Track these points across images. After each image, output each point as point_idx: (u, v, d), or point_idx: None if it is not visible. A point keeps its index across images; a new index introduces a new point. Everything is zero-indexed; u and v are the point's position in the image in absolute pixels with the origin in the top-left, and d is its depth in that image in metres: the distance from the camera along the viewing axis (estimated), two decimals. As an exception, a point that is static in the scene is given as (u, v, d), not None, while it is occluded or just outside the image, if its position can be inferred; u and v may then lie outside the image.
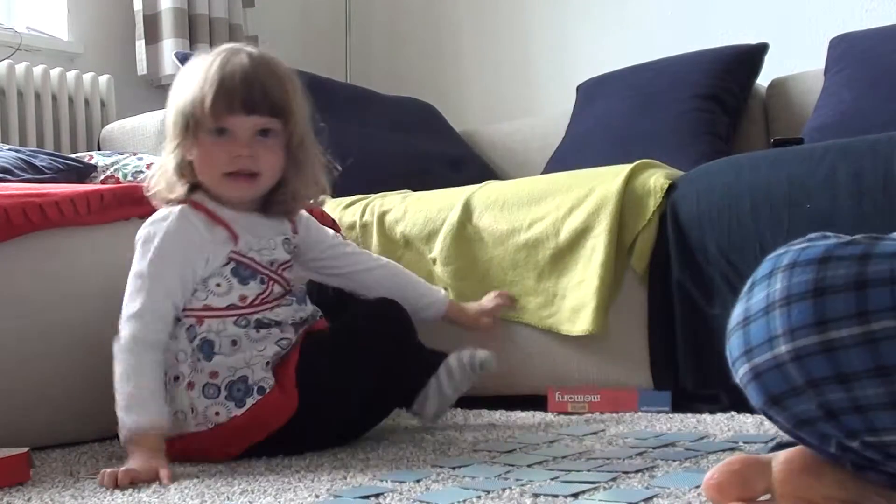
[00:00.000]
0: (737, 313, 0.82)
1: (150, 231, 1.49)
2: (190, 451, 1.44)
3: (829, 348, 0.75)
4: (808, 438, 0.82)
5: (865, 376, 0.74)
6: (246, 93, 1.46)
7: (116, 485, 1.27)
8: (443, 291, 1.81)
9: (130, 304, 1.46)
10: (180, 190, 1.51)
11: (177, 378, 1.46)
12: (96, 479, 1.31)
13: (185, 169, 1.51)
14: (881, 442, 0.77)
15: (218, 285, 1.49)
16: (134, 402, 1.40)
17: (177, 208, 1.49)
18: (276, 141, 1.51)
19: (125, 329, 1.44)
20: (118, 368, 1.43)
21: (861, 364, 0.74)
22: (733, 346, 0.82)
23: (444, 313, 1.76)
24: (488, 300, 1.81)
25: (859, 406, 0.75)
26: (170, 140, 1.51)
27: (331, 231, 1.75)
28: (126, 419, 1.39)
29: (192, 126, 1.47)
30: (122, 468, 1.29)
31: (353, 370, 1.50)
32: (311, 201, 1.63)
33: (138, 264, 1.48)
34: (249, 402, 1.44)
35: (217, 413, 1.44)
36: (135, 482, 1.27)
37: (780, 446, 0.95)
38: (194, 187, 1.53)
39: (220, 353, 1.46)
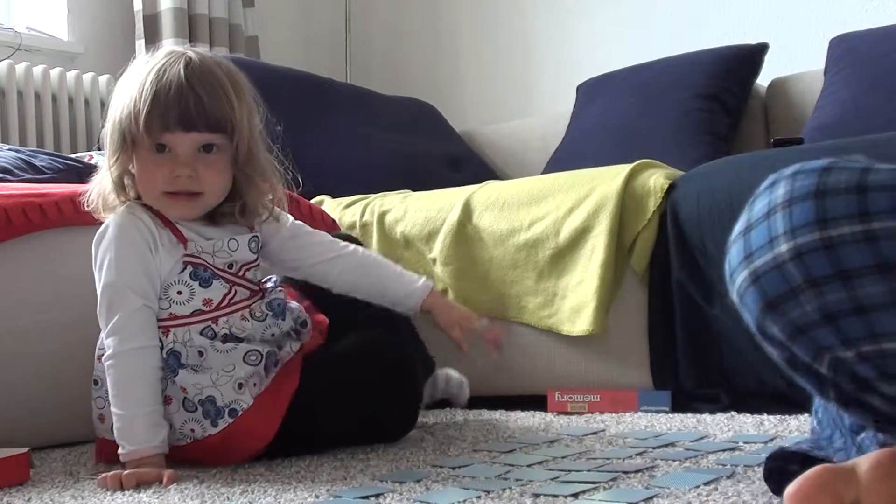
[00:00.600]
0: (738, 226, 0.83)
1: (101, 244, 1.42)
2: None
3: (829, 245, 0.75)
4: (800, 353, 0.80)
5: (866, 273, 0.74)
6: (183, 108, 1.36)
7: (121, 486, 1.26)
8: (422, 280, 1.61)
9: (108, 319, 1.38)
10: (118, 206, 1.43)
11: None
12: (96, 479, 1.31)
13: (126, 183, 1.43)
14: (880, 351, 0.76)
15: (179, 293, 1.40)
16: (125, 427, 1.35)
17: (122, 210, 1.42)
18: (219, 156, 1.41)
19: (109, 346, 1.38)
20: (110, 387, 1.37)
21: (861, 260, 0.74)
22: (732, 256, 0.82)
23: (422, 305, 1.60)
24: (478, 321, 1.61)
25: (860, 307, 0.75)
26: (109, 154, 1.43)
27: (290, 217, 1.59)
28: (121, 444, 1.35)
29: (128, 141, 1.39)
30: (124, 471, 1.29)
31: (349, 410, 1.46)
32: (266, 214, 1.50)
33: (103, 278, 1.40)
34: (221, 423, 1.38)
35: (192, 430, 1.38)
36: (140, 483, 1.27)
37: (782, 450, 0.94)
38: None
39: (187, 367, 1.38)
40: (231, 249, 1.44)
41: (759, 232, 0.80)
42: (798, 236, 0.76)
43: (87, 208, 1.45)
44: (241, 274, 1.45)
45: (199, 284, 1.41)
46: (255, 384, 1.41)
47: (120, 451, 1.35)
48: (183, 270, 1.40)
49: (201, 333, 1.40)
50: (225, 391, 1.38)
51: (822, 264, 0.75)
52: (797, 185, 0.78)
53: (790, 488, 0.83)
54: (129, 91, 1.40)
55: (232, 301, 1.43)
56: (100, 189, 1.45)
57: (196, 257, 1.41)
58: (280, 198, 1.51)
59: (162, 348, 1.39)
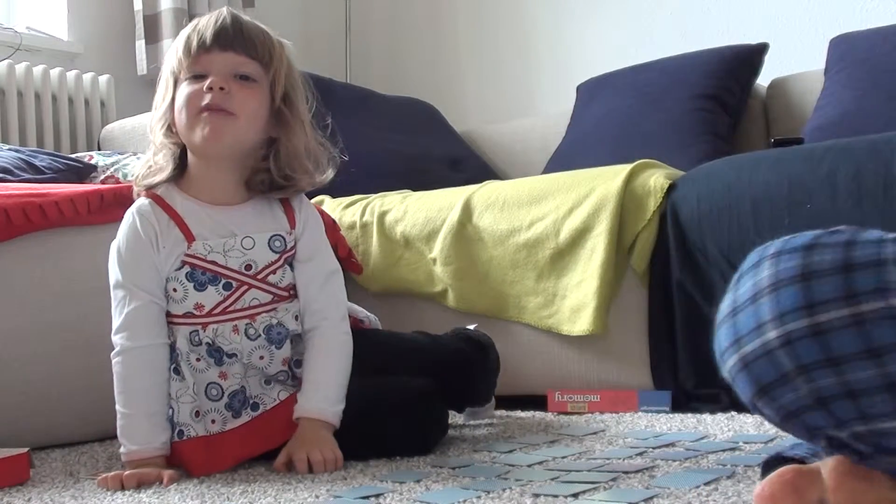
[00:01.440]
0: (724, 306, 0.82)
1: (117, 239, 1.41)
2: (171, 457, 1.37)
3: (818, 331, 0.74)
4: (795, 433, 0.81)
5: (856, 359, 0.73)
6: (221, 29, 1.37)
7: (122, 487, 1.26)
8: (326, 411, 1.38)
9: (117, 316, 1.38)
10: (165, 167, 1.41)
11: None
12: (96, 480, 1.31)
13: (170, 138, 1.41)
14: (873, 431, 0.75)
15: (174, 290, 1.37)
16: (128, 426, 1.34)
17: (134, 207, 1.41)
18: (256, 86, 1.38)
19: (117, 343, 1.37)
20: (115, 384, 1.37)
21: (851, 346, 0.73)
22: (721, 338, 0.81)
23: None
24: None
25: (851, 391, 0.74)
26: (155, 110, 1.44)
27: (330, 256, 1.49)
28: (122, 442, 1.35)
29: (171, 83, 1.40)
30: (125, 472, 1.29)
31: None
32: (310, 179, 1.45)
33: (113, 275, 1.40)
34: (170, 437, 1.36)
35: None
36: (141, 483, 1.27)
37: (778, 455, 0.94)
38: (181, 170, 1.42)
39: (169, 368, 1.37)
40: (245, 248, 1.38)
41: (746, 316, 0.78)
42: (786, 323, 0.75)
43: (135, 180, 1.44)
44: (260, 277, 1.38)
45: (194, 287, 1.37)
46: (213, 421, 1.37)
47: (121, 450, 1.35)
48: (180, 268, 1.37)
49: (188, 337, 1.37)
50: (182, 410, 1.36)
51: (812, 351, 0.75)
52: (781, 267, 0.77)
53: (757, 489, 0.85)
54: (174, 43, 1.43)
55: (227, 309, 1.37)
56: (147, 157, 1.43)
57: (200, 258, 1.36)
58: (323, 165, 1.47)
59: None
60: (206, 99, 1.35)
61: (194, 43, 1.37)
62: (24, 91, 2.67)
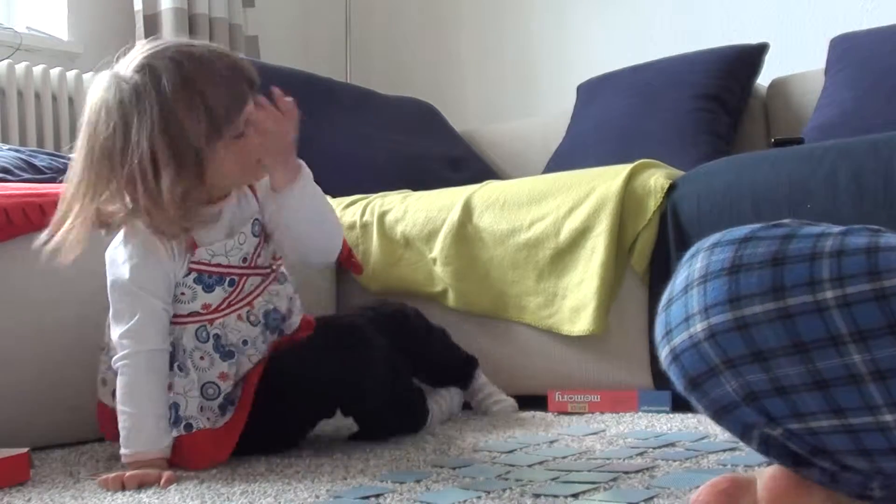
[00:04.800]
0: (663, 297, 0.81)
1: (121, 248, 1.42)
2: None
3: (742, 325, 0.72)
4: (730, 429, 0.79)
5: (782, 353, 0.71)
6: (248, 71, 1.41)
7: (122, 488, 1.26)
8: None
9: (124, 320, 1.39)
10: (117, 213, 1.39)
11: None
12: (96, 480, 1.31)
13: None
14: (807, 429, 0.73)
15: (182, 294, 1.42)
16: (133, 427, 1.36)
17: (132, 228, 1.41)
18: None
19: (125, 346, 1.38)
20: (120, 386, 1.38)
21: (776, 341, 0.71)
22: (657, 329, 0.80)
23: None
24: None
25: (781, 387, 0.72)
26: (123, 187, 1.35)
27: None
28: (125, 443, 1.36)
29: (192, 154, 1.35)
30: (127, 473, 1.29)
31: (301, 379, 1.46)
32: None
33: (119, 279, 1.41)
34: (176, 431, 1.39)
35: None
36: (142, 485, 1.27)
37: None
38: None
39: (173, 366, 1.41)
40: (240, 243, 1.46)
41: (677, 308, 0.77)
42: (711, 316, 0.74)
43: (48, 247, 1.38)
44: (252, 263, 1.47)
45: (202, 289, 1.43)
46: (208, 418, 1.42)
47: (122, 451, 1.36)
48: (187, 275, 1.42)
49: (195, 334, 1.43)
50: (190, 404, 1.41)
51: (737, 345, 0.73)
52: (714, 258, 0.76)
53: (694, 497, 0.84)
54: (189, 98, 1.34)
55: (232, 301, 1.45)
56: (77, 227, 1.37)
57: (205, 263, 1.42)
58: None
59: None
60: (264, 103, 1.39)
61: (235, 101, 1.37)
62: (24, 91, 2.66)
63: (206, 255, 1.43)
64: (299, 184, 1.44)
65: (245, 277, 1.46)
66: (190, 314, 1.43)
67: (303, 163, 1.47)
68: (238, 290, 1.46)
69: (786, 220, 0.77)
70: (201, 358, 1.43)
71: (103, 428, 1.52)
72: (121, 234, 1.43)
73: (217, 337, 1.43)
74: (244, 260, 1.46)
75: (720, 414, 0.78)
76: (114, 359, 1.40)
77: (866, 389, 0.70)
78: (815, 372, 0.71)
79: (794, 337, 0.71)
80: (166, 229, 1.37)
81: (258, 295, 1.48)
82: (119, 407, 1.37)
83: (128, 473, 1.28)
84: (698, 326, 0.75)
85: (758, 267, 0.73)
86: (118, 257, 1.42)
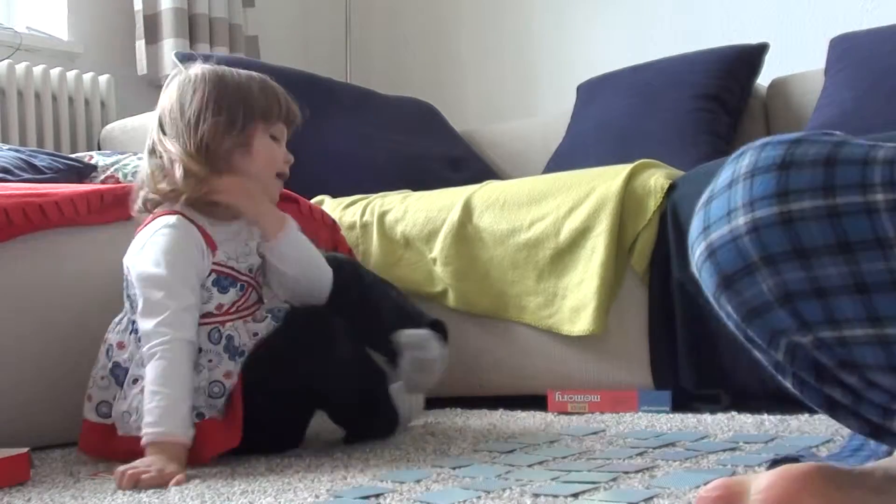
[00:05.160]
0: (702, 197, 0.78)
1: (157, 238, 1.47)
2: (137, 452, 1.37)
3: (788, 219, 0.70)
4: (757, 336, 0.76)
5: (826, 253, 0.69)
6: (289, 107, 1.58)
7: (136, 485, 1.26)
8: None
9: (159, 312, 1.42)
10: (184, 191, 1.49)
11: (135, 381, 1.46)
12: (112, 476, 1.30)
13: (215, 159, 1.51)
14: (840, 338, 0.71)
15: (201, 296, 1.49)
16: (168, 407, 1.37)
17: (172, 218, 1.48)
18: None
19: (162, 334, 1.40)
20: (151, 372, 1.39)
21: (822, 238, 0.69)
22: (693, 228, 0.78)
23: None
24: None
25: (819, 288, 0.70)
26: (205, 126, 1.49)
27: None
28: (158, 422, 1.36)
29: (248, 121, 1.53)
30: (142, 468, 1.29)
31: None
32: None
33: (154, 271, 1.45)
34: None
35: None
36: (159, 485, 1.26)
37: (776, 463, 0.94)
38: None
39: None
40: (246, 253, 1.55)
41: (719, 203, 0.75)
42: (756, 209, 0.71)
43: (136, 205, 1.54)
44: (256, 277, 1.55)
45: (218, 290, 1.50)
46: (218, 411, 1.46)
47: (150, 430, 1.35)
48: (209, 275, 1.49)
49: (209, 335, 1.48)
50: (198, 396, 1.44)
51: (780, 240, 0.70)
52: (763, 155, 0.73)
53: (695, 500, 0.82)
54: (241, 81, 1.55)
55: (240, 307, 1.52)
56: (166, 171, 1.51)
57: (223, 265, 1.51)
58: None
59: None
60: (284, 168, 1.59)
61: (284, 111, 1.57)
62: (24, 91, 2.66)
63: (223, 256, 1.51)
64: (287, 233, 1.54)
65: (252, 288, 1.54)
66: (204, 315, 1.48)
67: (287, 214, 1.59)
68: (246, 295, 1.53)
69: (837, 132, 0.75)
70: (210, 360, 1.47)
71: (83, 444, 1.52)
72: (150, 229, 1.48)
73: (230, 338, 1.48)
74: (250, 270, 1.54)
75: (750, 317, 0.75)
76: (150, 345, 1.41)
77: None
78: (857, 274, 0.69)
79: (840, 236, 0.69)
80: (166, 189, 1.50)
81: (256, 310, 1.54)
82: (151, 388, 1.38)
83: (144, 475, 1.27)
84: (741, 220, 0.72)
85: (810, 165, 0.70)
86: (150, 252, 1.47)
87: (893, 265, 0.68)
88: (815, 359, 0.74)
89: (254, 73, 1.59)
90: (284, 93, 1.59)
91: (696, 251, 0.77)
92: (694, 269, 0.78)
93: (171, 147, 1.50)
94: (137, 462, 1.31)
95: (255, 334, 1.51)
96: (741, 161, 0.75)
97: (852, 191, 0.69)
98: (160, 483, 1.26)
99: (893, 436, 0.76)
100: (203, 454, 1.41)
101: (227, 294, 1.50)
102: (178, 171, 1.48)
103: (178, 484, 1.27)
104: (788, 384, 0.78)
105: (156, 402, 1.37)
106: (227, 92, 1.52)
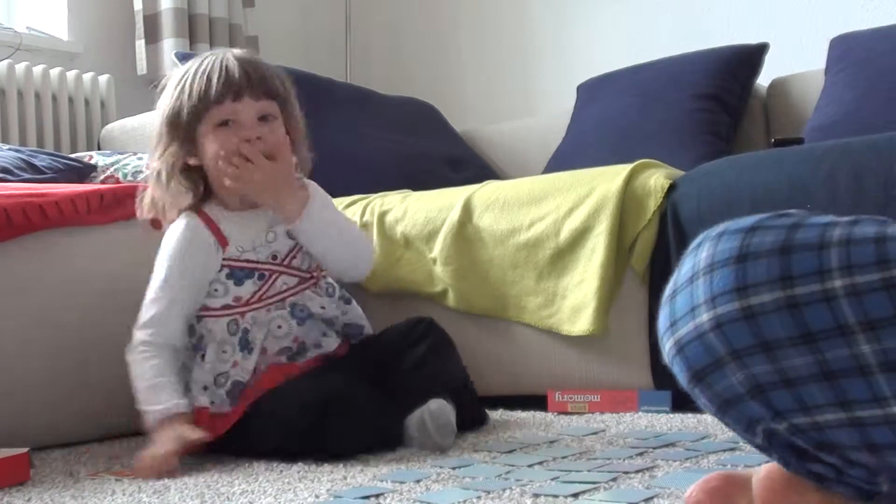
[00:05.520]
0: (667, 288, 0.79)
1: (167, 243, 1.54)
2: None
3: (749, 314, 0.71)
4: (733, 424, 0.77)
5: (790, 344, 0.70)
6: (240, 79, 1.48)
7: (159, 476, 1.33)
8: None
9: (146, 311, 1.51)
10: (184, 202, 1.54)
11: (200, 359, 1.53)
12: (109, 477, 1.34)
13: (181, 180, 1.53)
14: (814, 423, 0.72)
15: (216, 290, 1.53)
16: (150, 393, 1.45)
17: (184, 221, 1.54)
18: (279, 125, 1.54)
19: (138, 335, 1.50)
20: (133, 371, 1.48)
21: (784, 331, 0.70)
22: (660, 322, 0.78)
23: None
24: None
25: (787, 379, 0.71)
26: (156, 151, 1.53)
27: (331, 202, 1.69)
28: (147, 410, 1.45)
29: (183, 131, 1.50)
30: (149, 456, 1.36)
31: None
32: (303, 177, 1.63)
33: (157, 274, 1.53)
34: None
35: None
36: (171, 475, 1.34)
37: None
38: (204, 198, 1.56)
39: (200, 353, 1.51)
40: (269, 241, 1.55)
41: (682, 298, 0.75)
42: (718, 305, 0.72)
43: (143, 216, 1.58)
44: (286, 263, 1.55)
45: (234, 283, 1.52)
46: (212, 402, 1.49)
47: (149, 417, 1.44)
48: (220, 270, 1.52)
49: (227, 326, 1.51)
50: (194, 389, 1.50)
51: (744, 335, 0.71)
52: (720, 248, 0.74)
53: (687, 495, 0.83)
54: (176, 86, 1.52)
55: (264, 296, 1.52)
56: (153, 194, 1.55)
57: (235, 260, 1.52)
58: (309, 164, 1.63)
59: (194, 333, 1.53)
60: (247, 150, 1.49)
61: (227, 93, 1.48)
62: (24, 91, 2.66)
63: (236, 251, 1.53)
64: (305, 216, 1.54)
65: (276, 275, 1.54)
66: (223, 307, 1.51)
67: (313, 190, 1.57)
68: (268, 284, 1.53)
69: (792, 210, 0.76)
70: (224, 351, 1.50)
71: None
72: (172, 228, 1.55)
73: (245, 331, 1.51)
74: (274, 257, 1.55)
75: (724, 408, 0.76)
76: (135, 345, 1.49)
77: (875, 381, 0.69)
78: (822, 363, 0.69)
79: (802, 327, 0.69)
80: (165, 200, 1.53)
81: (292, 295, 1.55)
82: (135, 388, 1.47)
83: (156, 471, 1.34)
84: (704, 316, 0.73)
85: (766, 255, 0.71)
86: (164, 248, 1.54)
87: (857, 350, 0.69)
88: (792, 442, 0.75)
89: (201, 63, 1.51)
90: (225, 67, 1.49)
91: (666, 346, 0.78)
92: (666, 361, 0.79)
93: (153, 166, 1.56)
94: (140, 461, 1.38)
95: (267, 333, 1.52)
96: (699, 254, 0.76)
97: (810, 279, 0.69)
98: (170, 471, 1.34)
99: (887, 497, 0.76)
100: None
101: (242, 286, 1.52)
102: (151, 197, 1.56)
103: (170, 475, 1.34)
104: (774, 461, 0.79)
105: (142, 394, 1.47)
106: (165, 117, 1.53)
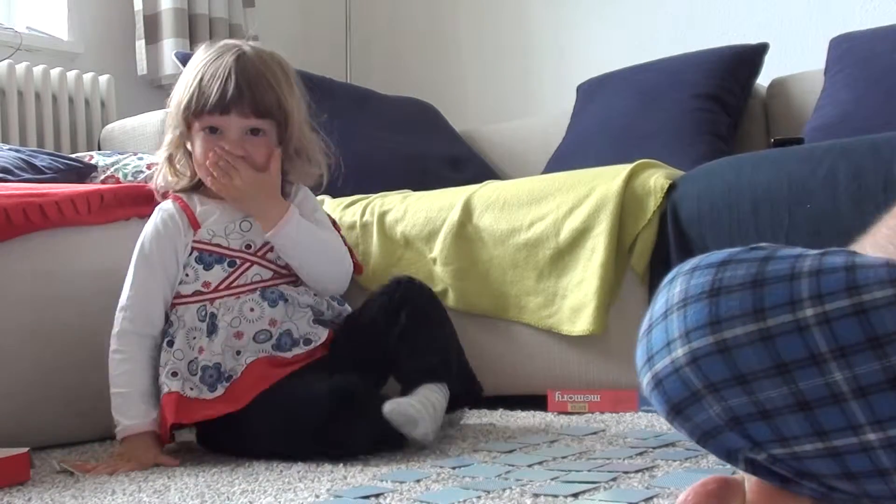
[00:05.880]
0: (643, 322, 0.80)
1: (145, 228, 1.59)
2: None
3: (724, 348, 0.72)
4: (715, 453, 0.79)
5: (764, 376, 0.71)
6: (238, 96, 1.51)
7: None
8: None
9: (123, 295, 1.56)
10: (181, 183, 1.60)
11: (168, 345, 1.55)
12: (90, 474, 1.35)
13: (176, 162, 1.60)
14: (791, 454, 0.73)
15: (187, 275, 1.56)
16: (122, 403, 1.49)
17: (161, 205, 1.59)
18: (265, 139, 1.56)
19: (117, 318, 1.55)
20: (111, 363, 1.52)
21: (758, 363, 0.71)
22: (637, 356, 0.79)
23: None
24: None
25: (764, 411, 0.72)
26: (169, 129, 1.60)
27: (318, 209, 1.70)
28: (117, 419, 1.49)
29: (183, 124, 1.56)
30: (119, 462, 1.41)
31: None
32: (302, 173, 1.65)
33: (133, 259, 1.57)
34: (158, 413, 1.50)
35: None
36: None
37: None
38: (197, 186, 1.60)
39: (172, 340, 1.53)
40: (244, 230, 1.57)
41: (658, 333, 0.77)
42: (692, 340, 0.73)
43: (157, 192, 1.63)
44: (260, 254, 1.57)
45: (203, 268, 1.54)
46: (191, 388, 1.50)
47: (117, 428, 1.49)
48: (191, 254, 1.55)
49: (196, 313, 1.53)
50: (164, 374, 1.50)
51: (719, 368, 0.72)
52: (692, 283, 0.75)
53: (680, 498, 0.84)
54: (185, 77, 1.57)
55: (232, 284, 1.54)
56: (163, 169, 1.62)
57: (205, 242, 1.55)
58: (318, 173, 1.66)
59: (167, 320, 1.55)
60: (223, 160, 1.53)
61: (210, 101, 1.51)
62: (25, 91, 2.67)
63: (206, 234, 1.56)
64: (281, 228, 1.55)
65: (248, 264, 1.56)
66: (193, 293, 1.54)
67: (294, 207, 1.58)
68: (238, 272, 1.55)
69: (763, 244, 0.77)
70: (193, 338, 1.52)
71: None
72: (152, 216, 1.60)
73: (213, 316, 1.52)
74: (248, 246, 1.56)
75: (704, 439, 0.77)
76: (114, 335, 1.53)
77: (848, 407, 0.69)
78: (797, 393, 0.70)
79: (775, 358, 0.70)
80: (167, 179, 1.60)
81: (266, 287, 1.56)
82: (110, 382, 1.50)
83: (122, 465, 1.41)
84: (679, 351, 0.74)
85: (738, 289, 0.72)
86: (142, 233, 1.58)
87: (829, 379, 0.69)
88: (773, 471, 0.76)
89: (217, 61, 1.53)
90: (224, 78, 1.51)
91: (644, 380, 0.79)
92: (644, 394, 0.80)
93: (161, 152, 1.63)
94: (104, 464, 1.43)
95: (235, 318, 1.52)
96: (672, 289, 0.77)
97: (782, 310, 0.70)
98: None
99: None
100: (163, 429, 1.48)
101: (211, 271, 1.54)
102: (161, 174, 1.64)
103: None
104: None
105: (113, 399, 1.51)
106: (173, 104, 1.58)
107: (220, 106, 1.51)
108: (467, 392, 1.63)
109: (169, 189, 1.61)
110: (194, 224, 1.56)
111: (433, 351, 1.55)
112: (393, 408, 1.39)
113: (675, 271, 0.78)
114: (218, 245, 1.56)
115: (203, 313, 1.53)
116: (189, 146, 1.58)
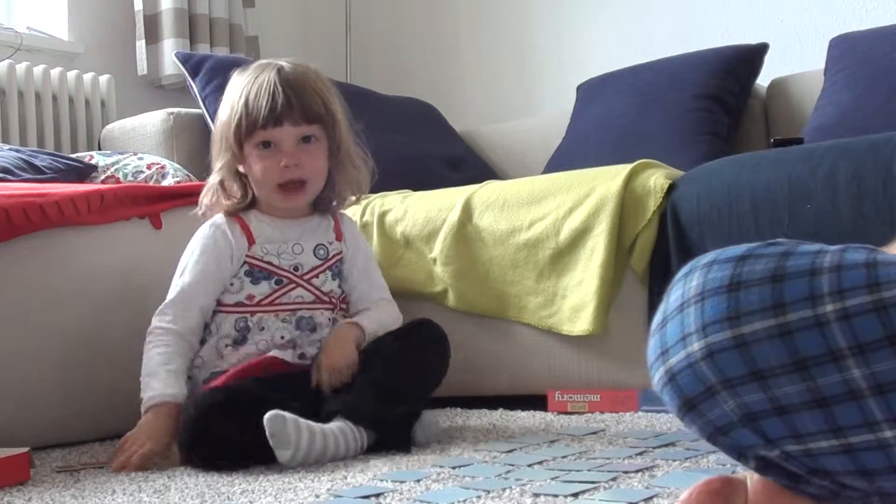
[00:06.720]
0: (656, 316, 0.79)
1: (194, 239, 1.62)
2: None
3: (741, 343, 0.71)
4: (725, 451, 0.78)
5: (782, 372, 0.70)
6: (287, 106, 1.55)
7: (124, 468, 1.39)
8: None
9: (174, 289, 1.59)
10: (234, 204, 1.63)
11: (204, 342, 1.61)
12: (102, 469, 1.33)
13: (228, 185, 1.62)
14: (806, 451, 0.72)
15: (232, 284, 1.60)
16: (146, 380, 1.52)
17: (215, 218, 1.63)
18: (319, 145, 1.60)
19: (154, 321, 1.57)
20: (145, 354, 1.54)
21: (776, 358, 0.70)
22: (650, 350, 0.78)
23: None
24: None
25: (780, 407, 0.71)
26: (213, 161, 1.62)
27: (360, 236, 1.77)
28: (144, 392, 1.51)
29: (233, 145, 1.58)
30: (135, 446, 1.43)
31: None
32: (352, 198, 1.72)
33: (180, 265, 1.61)
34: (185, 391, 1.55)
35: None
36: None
37: None
38: (251, 204, 1.64)
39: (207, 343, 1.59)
40: (295, 253, 1.62)
41: (673, 326, 0.75)
42: (709, 334, 0.72)
43: (200, 212, 1.65)
44: (306, 277, 1.61)
45: (250, 281, 1.59)
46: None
47: (143, 399, 1.51)
48: (241, 266, 1.59)
49: (234, 324, 1.57)
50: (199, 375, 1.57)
51: (736, 364, 0.71)
52: (710, 276, 0.74)
53: (683, 496, 0.83)
54: (228, 101, 1.60)
55: (275, 301, 1.58)
56: (213, 191, 1.64)
57: (258, 259, 1.60)
58: (363, 184, 1.71)
59: (207, 327, 1.59)
60: (284, 176, 1.58)
61: (263, 116, 1.54)
62: (25, 91, 2.66)
63: (260, 251, 1.60)
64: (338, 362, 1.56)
65: (293, 285, 1.60)
66: (235, 304, 1.58)
67: (350, 342, 1.58)
68: (283, 290, 1.59)
69: (781, 239, 0.76)
70: (226, 345, 1.57)
71: None
72: (204, 223, 1.65)
73: (247, 329, 1.57)
74: (295, 268, 1.61)
75: (715, 436, 0.77)
76: (149, 331, 1.56)
77: (866, 405, 0.69)
78: (814, 389, 0.70)
79: (793, 354, 0.70)
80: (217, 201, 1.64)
81: (305, 309, 1.60)
82: (142, 371, 1.53)
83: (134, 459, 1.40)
84: (696, 345, 0.73)
85: (757, 283, 0.72)
86: (192, 241, 1.63)
87: (847, 375, 0.69)
88: (784, 467, 0.75)
89: (253, 81, 1.57)
90: (271, 93, 1.54)
91: (657, 375, 0.78)
92: (655, 389, 0.80)
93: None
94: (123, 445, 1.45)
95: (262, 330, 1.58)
96: (689, 282, 0.76)
97: (802, 305, 0.70)
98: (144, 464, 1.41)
99: None
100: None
101: (258, 286, 1.58)
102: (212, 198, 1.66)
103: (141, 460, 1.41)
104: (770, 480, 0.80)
105: (144, 381, 1.53)
106: (219, 128, 1.62)
107: (272, 118, 1.54)
108: (395, 444, 1.48)
109: (219, 210, 1.64)
110: (250, 239, 1.60)
111: (382, 395, 1.48)
112: (272, 417, 1.33)
113: (691, 265, 0.77)
114: (269, 263, 1.60)
115: (241, 324, 1.57)
116: (242, 168, 1.61)
